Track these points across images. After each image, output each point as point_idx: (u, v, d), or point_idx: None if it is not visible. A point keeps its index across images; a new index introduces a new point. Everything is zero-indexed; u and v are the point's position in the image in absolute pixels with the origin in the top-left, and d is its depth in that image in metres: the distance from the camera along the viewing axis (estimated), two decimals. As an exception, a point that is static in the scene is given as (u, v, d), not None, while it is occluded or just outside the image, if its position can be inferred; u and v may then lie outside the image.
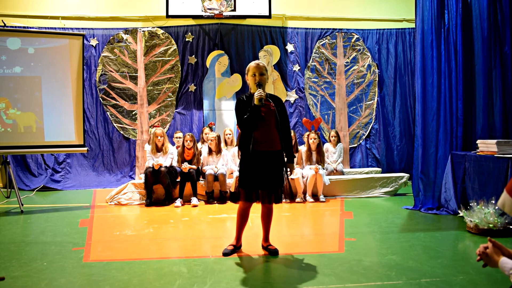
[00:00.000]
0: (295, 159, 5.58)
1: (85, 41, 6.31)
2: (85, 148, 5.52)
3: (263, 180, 2.96)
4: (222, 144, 5.88)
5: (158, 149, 5.52)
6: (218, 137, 5.66)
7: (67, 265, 2.86)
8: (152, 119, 7.15)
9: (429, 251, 3.11)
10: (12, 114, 5.09)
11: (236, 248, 3.15)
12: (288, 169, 3.11)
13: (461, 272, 2.63)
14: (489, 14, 4.37)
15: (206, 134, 5.95)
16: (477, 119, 4.56)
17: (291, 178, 5.37)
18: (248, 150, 2.96)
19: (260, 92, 2.91)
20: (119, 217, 4.65)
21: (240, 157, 3.14)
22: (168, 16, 6.98)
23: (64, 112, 5.35)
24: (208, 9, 7.00)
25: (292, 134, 5.59)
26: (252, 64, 3.06)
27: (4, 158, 5.15)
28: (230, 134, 6.04)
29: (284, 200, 5.33)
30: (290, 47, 7.40)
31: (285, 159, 3.10)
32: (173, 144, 6.03)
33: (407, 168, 7.16)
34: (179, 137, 5.93)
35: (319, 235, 3.87)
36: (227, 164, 5.64)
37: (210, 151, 5.63)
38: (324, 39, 7.46)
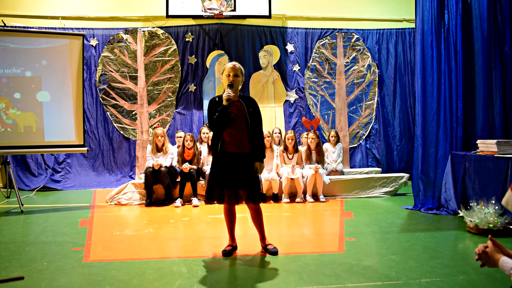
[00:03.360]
0: (290, 159, 5.59)
1: (85, 41, 6.31)
2: (85, 148, 5.52)
3: (231, 180, 2.97)
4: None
5: (158, 149, 5.52)
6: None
7: (67, 265, 2.86)
8: (152, 119, 7.15)
9: (429, 251, 3.11)
10: (12, 114, 5.09)
11: (234, 248, 3.15)
12: (257, 169, 3.05)
13: (461, 272, 2.63)
14: (489, 14, 4.37)
15: (204, 133, 5.94)
16: (477, 119, 4.56)
17: (291, 178, 5.38)
18: (216, 150, 3.01)
19: (228, 92, 2.94)
20: (119, 217, 4.65)
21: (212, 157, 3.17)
22: (168, 16, 6.98)
23: (64, 112, 5.35)
24: (208, 9, 7.00)
25: (292, 134, 5.59)
26: (229, 64, 3.09)
27: (4, 158, 5.15)
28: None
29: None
30: (290, 47, 7.40)
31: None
32: (174, 143, 6.03)
33: (407, 168, 7.16)
34: (181, 137, 5.93)
35: (319, 235, 3.87)
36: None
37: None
38: (324, 39, 7.46)
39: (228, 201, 3.08)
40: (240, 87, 3.15)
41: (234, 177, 2.97)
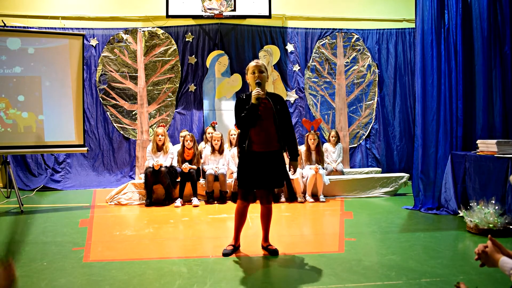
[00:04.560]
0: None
1: (85, 41, 6.31)
2: (85, 148, 5.52)
3: (260, 180, 2.96)
4: (227, 145, 5.89)
5: (158, 148, 5.52)
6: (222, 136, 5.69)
7: (67, 265, 2.86)
8: (152, 119, 7.15)
9: (429, 251, 3.11)
10: (12, 114, 5.09)
11: (235, 248, 3.15)
12: (291, 168, 3.10)
13: (461, 272, 2.63)
14: (489, 14, 4.37)
15: (209, 133, 5.93)
16: (477, 119, 4.56)
17: (291, 178, 5.37)
18: (243, 150, 2.98)
19: (258, 90, 2.90)
20: (119, 217, 4.65)
21: (238, 157, 3.13)
22: (168, 16, 6.98)
23: (64, 112, 5.35)
24: (208, 9, 7.00)
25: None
26: (252, 63, 3.06)
27: (4, 158, 5.14)
28: (234, 134, 5.97)
29: (282, 200, 5.34)
30: (290, 47, 7.40)
31: (286, 157, 3.10)
32: (177, 142, 6.01)
33: (407, 168, 7.16)
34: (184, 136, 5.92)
35: (319, 235, 3.87)
36: (228, 164, 5.64)
37: (213, 150, 5.61)
38: (324, 39, 7.46)
39: (247, 200, 3.05)
40: (266, 82, 3.08)
41: (263, 177, 2.95)
